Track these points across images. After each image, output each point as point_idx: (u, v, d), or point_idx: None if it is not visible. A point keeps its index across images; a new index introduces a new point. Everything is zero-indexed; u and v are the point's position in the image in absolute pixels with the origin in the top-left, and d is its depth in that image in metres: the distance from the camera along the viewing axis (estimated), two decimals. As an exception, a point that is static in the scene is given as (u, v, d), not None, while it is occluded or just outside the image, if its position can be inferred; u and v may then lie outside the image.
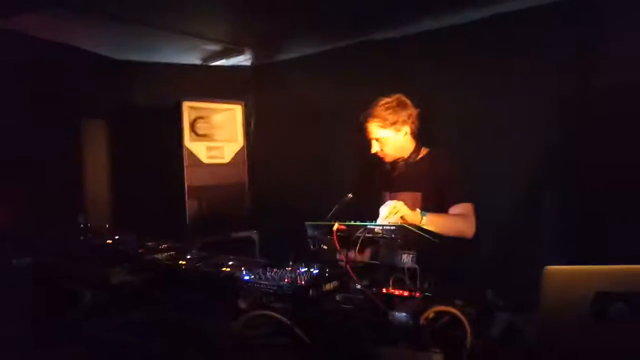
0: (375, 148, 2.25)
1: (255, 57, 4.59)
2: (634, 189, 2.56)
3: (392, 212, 1.87)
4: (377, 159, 2.32)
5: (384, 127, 2.20)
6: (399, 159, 2.27)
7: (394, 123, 2.20)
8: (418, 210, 1.96)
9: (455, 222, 2.07)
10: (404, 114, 2.21)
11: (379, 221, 1.87)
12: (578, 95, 2.90)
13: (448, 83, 3.29)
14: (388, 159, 2.28)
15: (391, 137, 2.22)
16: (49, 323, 1.75)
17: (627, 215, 2.57)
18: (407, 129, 2.24)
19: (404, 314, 1.30)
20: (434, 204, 2.11)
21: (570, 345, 1.13)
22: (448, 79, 3.30)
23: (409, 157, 2.26)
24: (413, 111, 2.24)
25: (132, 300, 1.75)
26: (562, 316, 1.12)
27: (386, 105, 2.20)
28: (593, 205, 2.73)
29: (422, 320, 1.26)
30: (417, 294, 1.47)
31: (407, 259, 1.56)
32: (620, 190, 2.61)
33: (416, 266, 1.54)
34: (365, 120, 2.24)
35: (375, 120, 2.21)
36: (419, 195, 2.19)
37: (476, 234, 2.11)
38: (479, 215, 2.16)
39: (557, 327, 1.14)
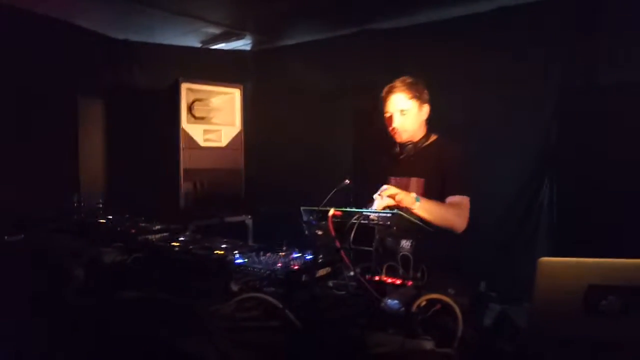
0: (396, 121, 2.22)
1: (255, 42, 4.56)
2: (628, 187, 2.58)
3: (387, 192, 1.88)
4: (386, 142, 2.32)
5: (410, 98, 2.21)
6: (409, 141, 2.25)
7: (418, 97, 2.22)
8: (413, 194, 1.95)
9: (448, 213, 2.06)
10: (424, 93, 2.24)
11: (374, 207, 1.88)
12: (577, 91, 2.90)
13: (448, 75, 3.27)
14: (404, 137, 2.25)
15: (414, 111, 2.22)
16: (40, 300, 1.74)
17: (620, 212, 2.58)
18: (426, 108, 2.24)
19: (395, 301, 1.30)
20: (436, 192, 2.11)
21: (561, 337, 1.13)
22: (448, 71, 3.28)
23: (418, 141, 2.26)
24: (428, 96, 2.25)
25: (123, 280, 1.74)
26: (555, 308, 1.13)
27: (408, 81, 2.23)
28: (587, 201, 2.74)
29: (414, 308, 1.26)
30: (409, 283, 1.48)
31: (405, 244, 1.55)
32: (615, 188, 2.62)
33: (409, 254, 1.54)
34: (390, 92, 2.24)
35: (401, 90, 2.21)
36: (422, 181, 2.19)
37: (466, 230, 2.10)
38: (474, 208, 2.16)
39: (549, 319, 1.14)
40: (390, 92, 2.23)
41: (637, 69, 2.63)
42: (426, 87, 2.26)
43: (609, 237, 2.51)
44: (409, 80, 2.23)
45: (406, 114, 2.21)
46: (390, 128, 2.25)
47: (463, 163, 2.18)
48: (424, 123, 2.28)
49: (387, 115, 2.25)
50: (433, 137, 2.28)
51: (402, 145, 2.27)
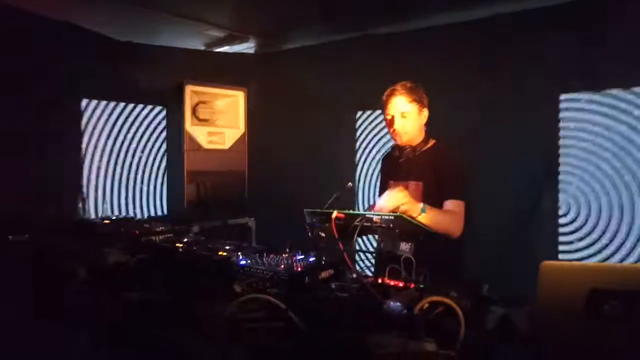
0: (398, 124, 2.23)
1: (259, 46, 4.58)
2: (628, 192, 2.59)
3: (398, 202, 1.87)
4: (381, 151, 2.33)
5: (410, 101, 2.23)
6: (408, 145, 2.27)
7: (419, 101, 2.24)
8: (421, 204, 1.95)
9: (446, 219, 2.06)
10: (424, 98, 2.27)
11: (377, 204, 1.87)
12: (579, 97, 2.91)
13: (448, 80, 3.28)
14: (404, 140, 2.26)
15: (414, 114, 2.23)
16: (44, 299, 1.75)
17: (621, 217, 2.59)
18: (426, 112, 2.26)
19: (398, 303, 1.30)
20: (434, 196, 2.11)
21: (563, 340, 1.14)
22: (448, 76, 3.30)
23: (417, 145, 2.27)
24: (427, 100, 2.27)
25: (127, 281, 1.75)
26: (556, 311, 1.13)
27: (408, 85, 2.25)
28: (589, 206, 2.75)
29: (416, 310, 1.27)
30: (412, 285, 1.48)
31: (405, 247, 1.56)
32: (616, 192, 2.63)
33: (412, 257, 1.54)
34: (391, 95, 2.25)
35: (402, 94, 2.23)
36: (420, 184, 2.19)
37: (469, 233, 2.09)
38: (478, 212, 2.16)
39: (551, 322, 1.14)
40: (391, 95, 2.26)
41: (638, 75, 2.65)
42: (426, 92, 2.28)
43: (611, 241, 2.51)
44: (409, 84, 2.26)
45: (407, 116, 2.23)
46: (391, 130, 2.27)
47: (460, 168, 2.19)
48: (423, 127, 2.30)
49: (388, 117, 2.27)
50: (432, 142, 2.30)
51: (401, 149, 2.28)
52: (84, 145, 3.86)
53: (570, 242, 2.79)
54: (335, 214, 1.71)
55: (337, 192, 1.96)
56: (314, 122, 4.12)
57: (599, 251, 2.58)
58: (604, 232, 2.61)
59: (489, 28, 3.21)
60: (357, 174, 4.01)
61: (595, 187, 2.78)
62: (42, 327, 1.69)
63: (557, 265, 1.14)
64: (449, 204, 2.10)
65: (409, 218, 1.69)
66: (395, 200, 1.88)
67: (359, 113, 4.04)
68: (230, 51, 4.60)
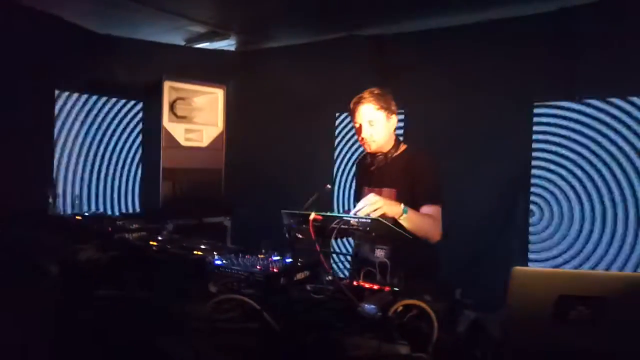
0: (365, 132, 2.23)
1: (240, 43, 4.55)
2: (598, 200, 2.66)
3: (372, 207, 1.86)
4: (359, 154, 2.33)
5: (378, 108, 2.22)
6: (379, 152, 2.27)
7: (386, 108, 2.23)
8: (402, 205, 1.95)
9: (426, 223, 2.06)
10: (392, 104, 2.26)
11: (352, 212, 1.88)
12: (556, 104, 2.98)
13: (431, 84, 3.32)
14: (373, 148, 2.26)
15: (383, 121, 2.23)
16: (15, 297, 1.71)
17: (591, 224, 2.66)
18: (394, 119, 2.26)
19: (372, 306, 1.31)
20: (408, 201, 2.12)
21: (531, 345, 1.17)
22: (431, 79, 3.34)
23: (388, 151, 2.27)
24: (396, 107, 2.27)
25: (99, 278, 1.71)
26: (526, 316, 1.16)
27: (376, 92, 2.24)
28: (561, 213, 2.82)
29: (390, 313, 1.28)
30: (386, 288, 1.50)
31: (380, 253, 1.57)
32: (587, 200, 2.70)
33: (387, 261, 1.56)
34: (358, 103, 2.24)
35: (369, 101, 2.22)
36: (394, 191, 2.20)
37: (444, 237, 2.09)
38: (453, 216, 2.19)
39: (521, 327, 1.17)
40: (358, 103, 2.25)
41: (615, 86, 2.72)
42: (393, 100, 2.28)
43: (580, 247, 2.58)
44: (377, 91, 2.24)
45: (374, 124, 2.22)
46: (360, 138, 2.27)
47: (434, 171, 2.20)
48: (393, 133, 2.30)
49: (357, 125, 2.27)
50: (403, 147, 2.30)
51: (373, 156, 2.29)
52: (55, 138, 3.76)
53: (542, 249, 2.86)
54: (312, 215, 1.71)
55: (315, 194, 1.96)
56: (294, 122, 4.11)
57: (570, 257, 2.66)
58: (575, 239, 2.68)
59: (468, 35, 3.26)
60: (335, 175, 4.02)
61: (567, 195, 2.85)
62: (13, 325, 1.65)
63: (527, 271, 1.17)
64: (426, 209, 2.11)
65: (385, 222, 1.71)
66: (371, 205, 1.88)
67: (337, 114, 4.06)
68: (210, 47, 4.56)
